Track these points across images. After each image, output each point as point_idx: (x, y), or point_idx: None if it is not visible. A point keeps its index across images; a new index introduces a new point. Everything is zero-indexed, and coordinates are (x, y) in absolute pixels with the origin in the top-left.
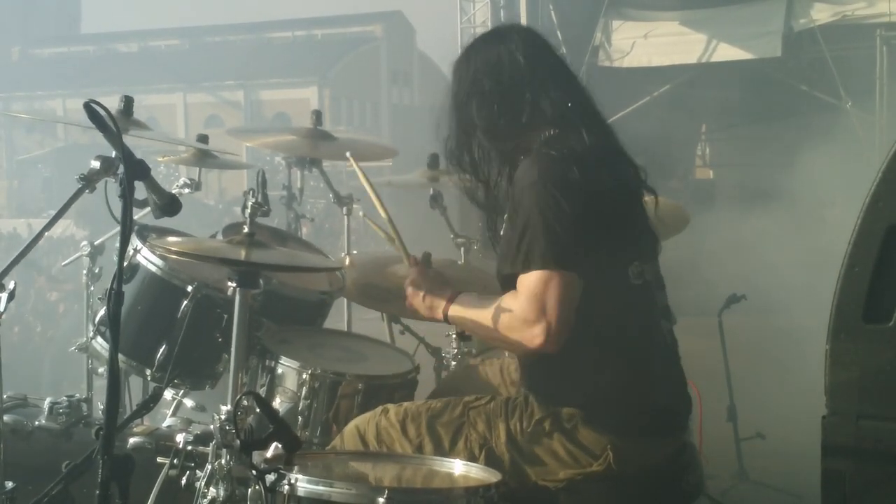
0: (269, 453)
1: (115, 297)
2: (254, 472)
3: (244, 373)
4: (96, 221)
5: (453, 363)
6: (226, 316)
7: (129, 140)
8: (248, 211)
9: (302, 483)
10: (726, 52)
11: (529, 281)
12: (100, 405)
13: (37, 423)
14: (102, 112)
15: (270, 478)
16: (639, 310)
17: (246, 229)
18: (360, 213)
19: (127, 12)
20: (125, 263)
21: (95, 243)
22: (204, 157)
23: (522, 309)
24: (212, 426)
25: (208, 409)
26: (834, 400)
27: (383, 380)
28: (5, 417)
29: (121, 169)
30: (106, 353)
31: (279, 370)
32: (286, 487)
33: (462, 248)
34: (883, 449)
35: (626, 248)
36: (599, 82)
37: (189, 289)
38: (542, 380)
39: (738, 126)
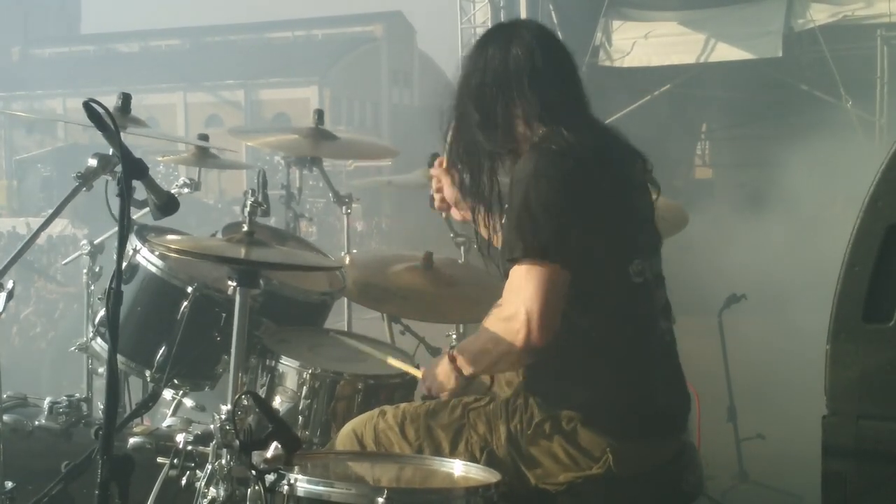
0: (269, 453)
1: (113, 297)
2: (253, 472)
3: (244, 373)
4: (92, 220)
5: None
6: (225, 316)
7: (129, 140)
8: (247, 210)
9: (301, 483)
10: (726, 52)
11: (512, 276)
12: (100, 405)
13: (37, 423)
14: (101, 110)
15: (270, 478)
16: (638, 310)
17: (245, 228)
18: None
19: (127, 12)
20: (125, 264)
21: (95, 242)
22: (204, 156)
23: (508, 307)
24: (212, 426)
25: (208, 409)
26: (834, 400)
27: (383, 380)
28: (5, 417)
29: (119, 168)
30: (106, 354)
31: (279, 369)
32: (286, 487)
33: (462, 248)
34: (883, 449)
35: (627, 245)
36: (599, 82)
37: (189, 289)
38: (541, 382)
39: (738, 126)
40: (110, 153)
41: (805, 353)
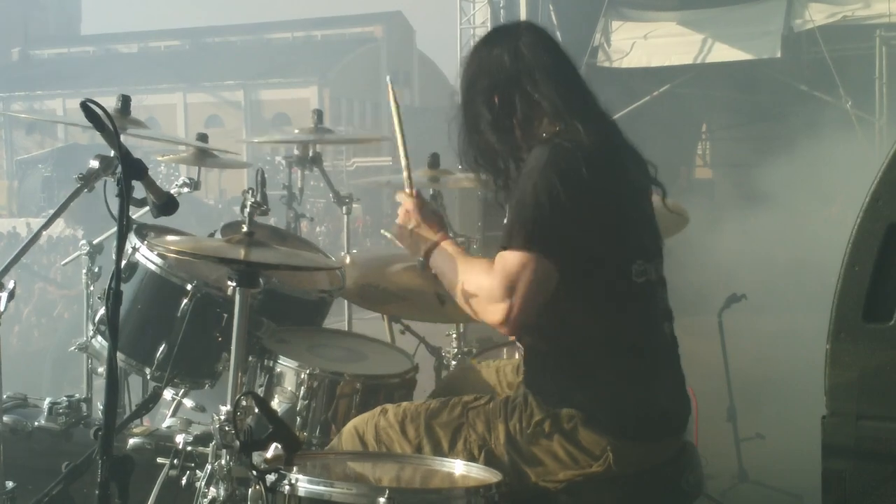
0: (269, 454)
1: (113, 296)
2: (254, 472)
3: (243, 373)
4: (87, 220)
5: (453, 363)
6: (225, 315)
7: (130, 140)
8: (246, 210)
9: (302, 483)
10: (726, 53)
11: (507, 259)
12: (99, 405)
13: (37, 423)
14: (99, 111)
15: (271, 478)
16: (640, 309)
17: (245, 228)
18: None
19: (127, 12)
20: (124, 262)
21: (94, 242)
22: (204, 156)
23: (492, 285)
24: (211, 426)
25: (208, 409)
26: (834, 400)
27: (382, 379)
28: (5, 417)
29: (118, 168)
30: (106, 353)
31: (278, 370)
32: (287, 487)
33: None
34: (882, 449)
35: (630, 246)
36: (599, 82)
37: (188, 287)
38: (542, 380)
39: (738, 126)
40: (111, 154)
41: (805, 353)
